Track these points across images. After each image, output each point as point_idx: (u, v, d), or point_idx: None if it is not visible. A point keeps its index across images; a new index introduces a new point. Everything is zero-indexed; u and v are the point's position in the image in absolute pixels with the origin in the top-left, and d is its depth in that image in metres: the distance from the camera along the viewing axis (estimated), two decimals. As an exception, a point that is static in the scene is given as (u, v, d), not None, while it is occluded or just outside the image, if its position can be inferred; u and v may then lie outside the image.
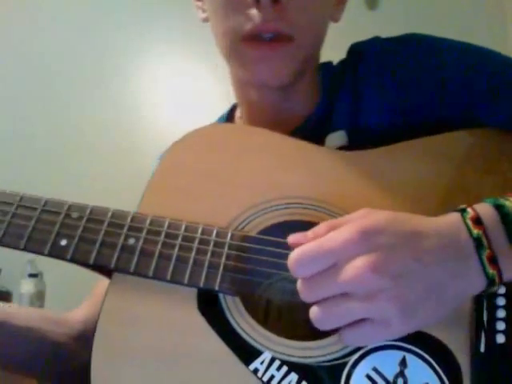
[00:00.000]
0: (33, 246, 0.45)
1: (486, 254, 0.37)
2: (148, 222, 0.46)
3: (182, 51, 1.97)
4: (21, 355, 0.57)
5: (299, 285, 0.38)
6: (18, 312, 0.59)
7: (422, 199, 0.42)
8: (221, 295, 0.44)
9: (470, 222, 0.38)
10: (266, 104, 0.60)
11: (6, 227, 0.45)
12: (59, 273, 1.75)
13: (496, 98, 0.51)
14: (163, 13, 1.96)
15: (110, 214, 0.46)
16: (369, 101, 0.56)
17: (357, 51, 0.59)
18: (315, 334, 0.41)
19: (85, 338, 0.61)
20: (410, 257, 0.36)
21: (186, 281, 0.43)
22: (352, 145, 0.54)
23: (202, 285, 0.43)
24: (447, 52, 0.54)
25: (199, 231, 0.45)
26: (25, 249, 0.45)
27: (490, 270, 0.37)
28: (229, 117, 0.68)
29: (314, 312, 0.37)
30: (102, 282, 0.60)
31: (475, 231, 0.38)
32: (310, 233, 0.40)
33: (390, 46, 0.56)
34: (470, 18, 1.76)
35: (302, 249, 0.38)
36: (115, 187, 1.79)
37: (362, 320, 0.37)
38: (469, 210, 0.39)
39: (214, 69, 1.89)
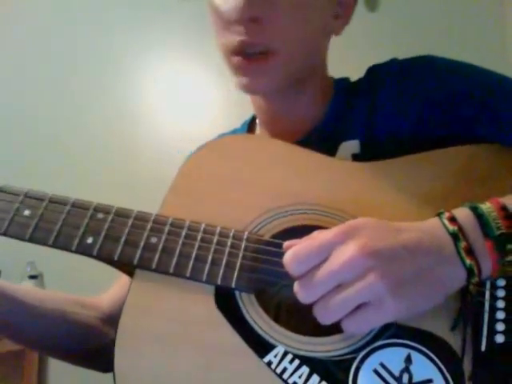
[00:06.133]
0: (61, 242, 0.48)
1: (462, 245, 0.41)
2: (169, 223, 0.49)
3: (182, 53, 2.00)
4: (55, 337, 0.61)
5: (296, 287, 0.42)
6: (50, 296, 0.63)
7: (434, 210, 0.45)
8: (237, 292, 0.47)
9: (446, 221, 0.43)
10: (273, 110, 0.65)
11: (36, 222, 0.48)
12: (59, 274, 1.76)
13: (499, 118, 0.55)
14: (164, 14, 1.99)
15: (133, 215, 0.49)
16: (385, 116, 0.59)
17: (377, 75, 0.63)
18: (325, 330, 0.43)
19: (112, 321, 0.66)
20: (396, 243, 0.41)
21: (204, 278, 0.46)
22: (365, 153, 0.58)
23: (219, 282, 0.46)
24: (458, 72, 0.58)
25: (217, 233, 0.48)
26: (53, 245, 0.47)
27: (468, 261, 0.41)
28: (251, 122, 0.73)
29: (315, 310, 0.41)
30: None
31: (451, 227, 0.42)
32: (303, 239, 0.44)
33: (407, 67, 0.60)
34: (470, 19, 1.79)
35: (296, 247, 0.42)
36: (115, 187, 1.80)
37: (358, 307, 0.40)
38: (445, 212, 0.44)
39: (214, 70, 1.93)
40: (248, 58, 0.56)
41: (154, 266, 0.47)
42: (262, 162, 0.54)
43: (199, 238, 0.48)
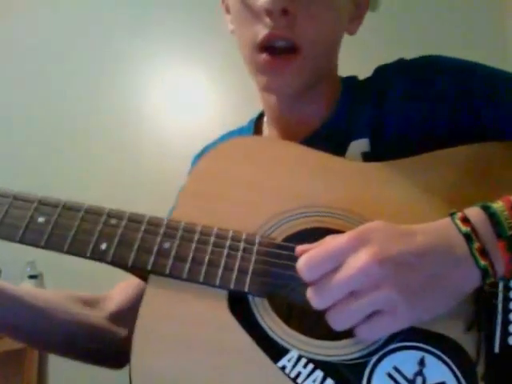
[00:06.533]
0: (75, 248, 0.48)
1: (475, 246, 0.41)
2: (181, 227, 0.49)
3: (183, 56, 2.00)
4: (60, 338, 0.62)
5: (309, 293, 0.42)
6: (54, 296, 0.63)
7: (445, 210, 0.45)
8: (250, 296, 0.47)
9: (458, 222, 0.43)
10: (284, 109, 0.65)
11: (51, 229, 0.48)
12: (59, 274, 1.76)
13: (497, 104, 0.55)
14: (164, 15, 1.99)
15: (146, 220, 0.49)
16: (394, 115, 0.59)
17: (385, 74, 0.63)
18: (336, 334, 0.43)
19: (119, 319, 0.67)
20: (406, 250, 0.41)
21: (217, 283, 0.46)
22: (374, 152, 0.58)
23: (232, 287, 0.46)
24: (466, 70, 0.59)
25: (229, 237, 0.48)
26: (67, 251, 0.48)
27: (482, 262, 0.41)
28: (257, 122, 0.73)
29: (328, 317, 0.41)
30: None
31: (463, 228, 0.42)
32: (316, 244, 0.44)
33: (415, 66, 0.61)
34: (470, 18, 1.80)
35: (309, 253, 0.42)
36: (116, 186, 1.80)
37: (372, 314, 0.40)
38: (458, 212, 0.44)
39: (214, 72, 1.93)
40: (274, 55, 0.56)
41: (167, 271, 0.47)
42: (272, 164, 0.54)
43: (211, 242, 0.48)
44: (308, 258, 0.42)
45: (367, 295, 0.39)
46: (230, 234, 0.49)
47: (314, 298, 0.41)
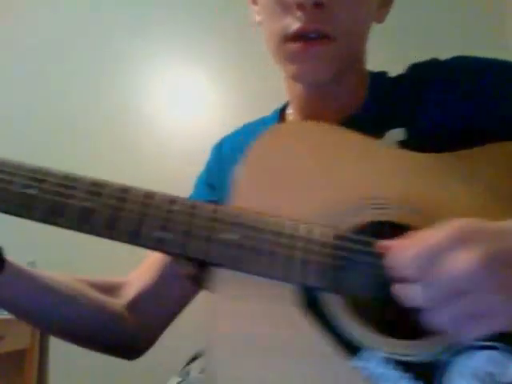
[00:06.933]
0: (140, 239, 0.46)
1: None
2: (251, 219, 0.46)
3: (182, 54, 1.99)
4: (85, 327, 0.61)
5: (401, 290, 0.40)
6: (74, 282, 0.62)
7: (506, 207, 0.44)
8: (323, 293, 0.44)
9: None
10: (312, 98, 0.64)
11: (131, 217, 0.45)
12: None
13: None
14: (164, 15, 1.99)
15: (211, 209, 0.46)
16: (431, 112, 0.59)
17: (421, 72, 0.63)
18: (411, 333, 0.42)
19: (136, 307, 0.66)
20: (507, 250, 0.38)
21: (290, 278, 0.44)
22: (411, 142, 0.57)
23: (305, 282, 0.44)
24: (492, 68, 0.60)
25: (301, 229, 0.46)
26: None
27: None
28: (281, 113, 0.72)
29: (428, 316, 0.39)
30: (153, 254, 0.66)
31: None
32: (402, 240, 0.42)
33: (453, 67, 0.61)
34: (470, 18, 1.79)
35: (405, 250, 0.40)
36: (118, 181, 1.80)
37: (471, 315, 0.38)
38: None
39: (214, 72, 1.93)
40: (305, 42, 0.55)
41: (238, 266, 0.44)
42: (330, 150, 0.52)
43: (284, 236, 0.45)
44: (412, 254, 0.39)
45: (472, 297, 0.37)
46: (303, 226, 0.46)
47: (414, 296, 0.39)
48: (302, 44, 0.55)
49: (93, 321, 0.62)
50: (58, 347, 1.79)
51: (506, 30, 1.78)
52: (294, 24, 0.55)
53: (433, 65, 0.63)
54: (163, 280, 0.68)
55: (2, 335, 1.54)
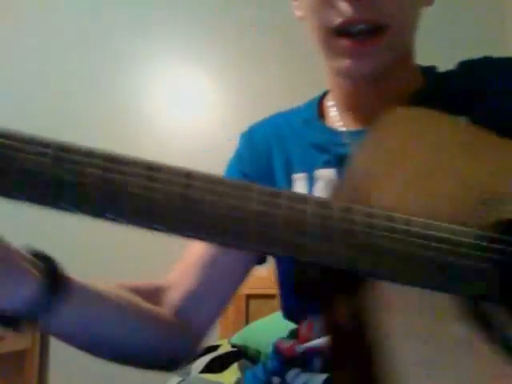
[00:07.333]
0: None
1: None
2: (420, 225, 0.39)
3: (182, 54, 1.99)
4: (140, 343, 0.53)
5: None
6: (117, 291, 0.53)
7: None
8: (492, 305, 0.39)
9: None
10: (361, 94, 0.62)
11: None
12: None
13: None
14: (164, 15, 1.99)
15: (355, 209, 0.39)
16: (491, 109, 0.57)
17: (475, 70, 0.62)
18: None
19: (184, 313, 0.58)
20: None
21: (457, 290, 0.38)
22: None
23: (473, 293, 0.38)
24: None
25: (451, 231, 0.40)
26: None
27: None
28: (319, 104, 0.69)
29: None
30: (193, 247, 0.62)
31: None
32: None
33: (503, 63, 0.62)
34: (470, 17, 1.80)
35: None
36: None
37: None
38: None
39: (214, 72, 1.93)
40: (358, 41, 0.53)
41: (392, 277, 0.37)
42: (446, 140, 0.48)
43: (434, 238, 0.39)
44: None
45: None
46: (453, 227, 0.39)
47: None
48: (351, 41, 0.53)
49: (148, 335, 0.54)
50: (59, 348, 1.79)
51: (506, 30, 1.79)
52: (337, 17, 0.53)
53: (489, 64, 0.62)
54: (211, 279, 0.62)
55: (3, 335, 1.54)
